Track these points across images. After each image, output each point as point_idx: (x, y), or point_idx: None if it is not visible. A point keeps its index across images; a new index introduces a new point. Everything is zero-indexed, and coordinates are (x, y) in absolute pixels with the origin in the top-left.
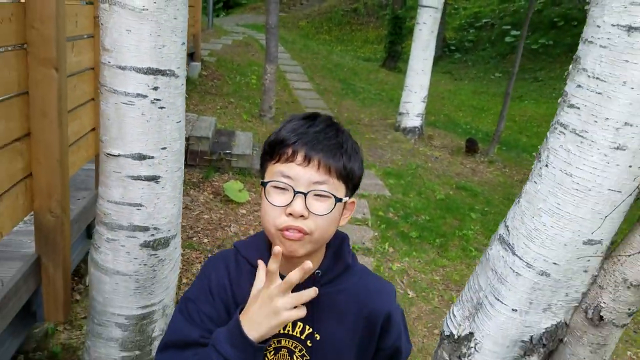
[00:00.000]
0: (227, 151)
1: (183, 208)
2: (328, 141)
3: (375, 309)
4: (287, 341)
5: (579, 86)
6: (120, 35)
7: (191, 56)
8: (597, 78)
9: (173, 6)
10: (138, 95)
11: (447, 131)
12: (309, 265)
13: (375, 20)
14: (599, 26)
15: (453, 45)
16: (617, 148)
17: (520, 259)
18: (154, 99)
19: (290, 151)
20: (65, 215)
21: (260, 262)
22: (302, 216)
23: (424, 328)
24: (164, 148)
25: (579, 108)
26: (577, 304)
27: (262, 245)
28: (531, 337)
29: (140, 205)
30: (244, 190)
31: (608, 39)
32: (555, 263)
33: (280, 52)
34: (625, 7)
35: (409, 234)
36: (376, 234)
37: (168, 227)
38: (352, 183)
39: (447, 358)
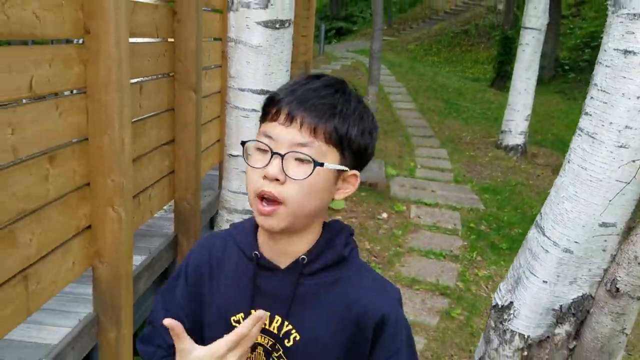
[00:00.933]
0: None
1: None
2: (318, 100)
3: (368, 308)
4: (262, 338)
5: (592, 98)
6: (242, 66)
7: None
8: (604, 91)
9: (280, 43)
10: (252, 110)
11: (554, 150)
12: (262, 313)
13: (486, 41)
14: (605, 50)
15: (567, 65)
16: (621, 146)
17: (549, 238)
18: None
19: (275, 109)
20: (197, 205)
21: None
22: (277, 180)
23: None
24: None
25: (591, 115)
26: (600, 279)
27: (250, 227)
28: (561, 306)
29: None
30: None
31: (611, 60)
32: (576, 242)
33: (385, 74)
34: (623, 35)
35: (500, 245)
36: (465, 243)
37: None
38: (350, 151)
39: (493, 325)
